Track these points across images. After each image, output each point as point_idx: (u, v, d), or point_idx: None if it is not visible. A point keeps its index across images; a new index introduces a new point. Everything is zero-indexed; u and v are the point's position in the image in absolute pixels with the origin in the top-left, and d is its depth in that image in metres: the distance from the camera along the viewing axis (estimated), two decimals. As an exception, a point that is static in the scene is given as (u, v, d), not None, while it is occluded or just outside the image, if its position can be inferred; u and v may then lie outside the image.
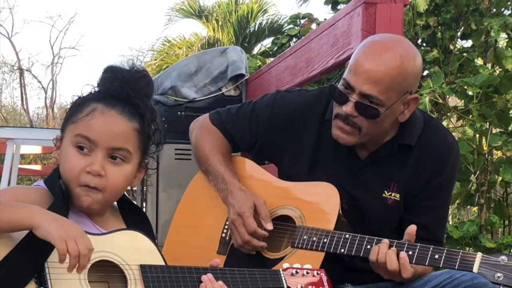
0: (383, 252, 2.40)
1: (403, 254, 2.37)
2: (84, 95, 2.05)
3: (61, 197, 1.96)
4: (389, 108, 2.52)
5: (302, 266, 2.29)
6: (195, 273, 2.06)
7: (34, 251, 1.80)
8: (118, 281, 1.95)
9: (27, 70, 26.38)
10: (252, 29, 15.13)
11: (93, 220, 2.05)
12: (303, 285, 2.24)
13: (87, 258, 1.79)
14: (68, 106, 2.09)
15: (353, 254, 2.47)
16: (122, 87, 2.03)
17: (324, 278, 2.29)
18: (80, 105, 2.02)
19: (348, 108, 2.52)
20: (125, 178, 2.06)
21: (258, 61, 6.64)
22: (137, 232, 2.03)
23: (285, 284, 2.22)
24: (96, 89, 2.07)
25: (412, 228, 2.42)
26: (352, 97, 2.51)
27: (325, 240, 2.52)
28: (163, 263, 2.03)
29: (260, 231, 2.62)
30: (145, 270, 1.97)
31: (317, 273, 2.30)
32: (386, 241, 2.41)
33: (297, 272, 2.27)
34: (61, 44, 28.51)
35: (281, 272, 2.25)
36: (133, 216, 2.16)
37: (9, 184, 7.17)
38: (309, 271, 2.28)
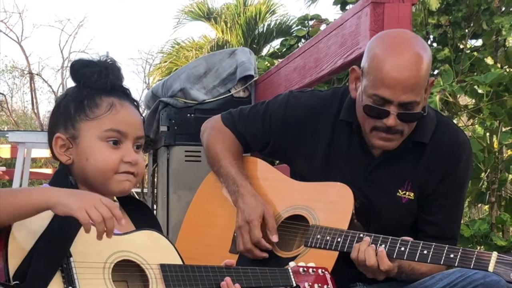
0: (362, 250, 2.42)
1: (380, 248, 2.40)
2: (72, 94, 2.09)
3: None
4: (423, 103, 2.56)
5: (307, 264, 2.31)
6: (211, 273, 2.09)
7: (56, 243, 1.83)
8: (137, 281, 1.98)
9: (37, 75, 26.50)
10: (260, 31, 15.14)
11: None
12: (310, 283, 2.27)
13: (112, 221, 1.81)
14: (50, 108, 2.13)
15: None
16: (113, 79, 2.09)
17: (328, 276, 2.32)
18: (91, 101, 2.06)
19: (390, 121, 2.53)
20: (144, 162, 2.16)
21: (267, 62, 6.64)
22: (155, 231, 2.07)
23: (294, 282, 2.25)
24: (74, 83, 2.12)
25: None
26: (392, 109, 2.52)
27: (339, 239, 2.53)
28: (180, 262, 2.06)
29: (263, 243, 2.64)
30: (165, 269, 2.00)
31: (322, 272, 2.32)
32: (367, 239, 2.44)
33: (304, 271, 2.29)
34: (70, 48, 28.61)
35: (290, 270, 2.27)
36: (138, 212, 2.19)
37: (20, 187, 7.20)
38: (314, 269, 2.31)
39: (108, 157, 2.04)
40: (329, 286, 2.30)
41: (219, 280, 2.09)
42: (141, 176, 2.14)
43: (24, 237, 1.83)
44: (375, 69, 2.53)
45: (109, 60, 2.11)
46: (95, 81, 2.06)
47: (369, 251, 2.41)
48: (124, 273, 1.96)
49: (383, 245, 2.43)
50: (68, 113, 2.06)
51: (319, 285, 2.28)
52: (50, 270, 1.80)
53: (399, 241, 2.42)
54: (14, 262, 1.78)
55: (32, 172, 8.55)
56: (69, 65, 2.16)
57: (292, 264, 2.30)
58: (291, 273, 2.27)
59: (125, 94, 2.12)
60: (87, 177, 2.06)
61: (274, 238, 2.65)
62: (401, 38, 2.60)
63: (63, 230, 1.85)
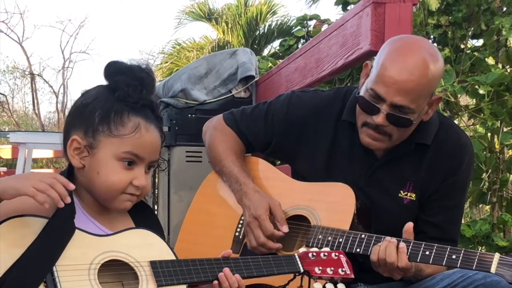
0: (383, 247, 2.41)
1: (402, 244, 2.38)
2: (101, 100, 2.05)
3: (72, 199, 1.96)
4: (418, 113, 2.54)
5: (320, 249, 2.27)
6: (208, 265, 2.08)
7: (43, 254, 1.84)
8: (131, 280, 1.97)
9: (38, 75, 26.49)
10: (261, 31, 15.15)
11: (99, 220, 2.08)
12: (321, 268, 2.22)
13: (59, 185, 1.86)
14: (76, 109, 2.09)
15: (369, 254, 2.46)
16: (145, 94, 2.06)
17: (343, 259, 2.26)
18: (118, 116, 2.02)
19: (379, 119, 2.52)
20: (150, 183, 2.15)
21: (269, 63, 6.64)
22: (146, 230, 2.06)
23: (301, 267, 2.22)
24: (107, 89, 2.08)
25: (409, 225, 2.43)
26: (383, 108, 2.51)
27: (341, 240, 2.53)
28: (174, 259, 2.05)
29: (277, 233, 2.63)
30: (156, 265, 1.99)
31: (335, 255, 2.26)
32: (393, 240, 2.41)
33: (313, 255, 2.25)
34: (71, 48, 28.67)
35: (296, 256, 2.24)
36: (140, 212, 2.19)
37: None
38: (326, 253, 2.26)
39: (120, 179, 2.03)
40: (344, 269, 2.23)
41: (216, 271, 2.08)
42: (144, 196, 2.14)
43: (12, 245, 1.84)
44: (380, 64, 2.53)
45: (146, 70, 2.08)
46: (127, 96, 2.03)
47: (391, 247, 2.40)
48: (117, 272, 1.96)
49: None
50: (92, 120, 2.02)
51: (332, 268, 2.22)
52: (35, 281, 1.82)
53: (401, 241, 2.41)
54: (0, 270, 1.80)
55: (33, 172, 8.55)
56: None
57: (302, 249, 2.27)
58: (297, 259, 2.23)
59: (151, 110, 2.08)
60: (92, 187, 2.05)
61: (285, 229, 2.64)
62: (415, 43, 2.58)
63: (53, 240, 1.87)
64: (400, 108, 2.50)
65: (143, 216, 2.19)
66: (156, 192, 4.94)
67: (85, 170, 2.04)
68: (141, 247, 2.01)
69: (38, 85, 26.63)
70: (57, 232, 1.89)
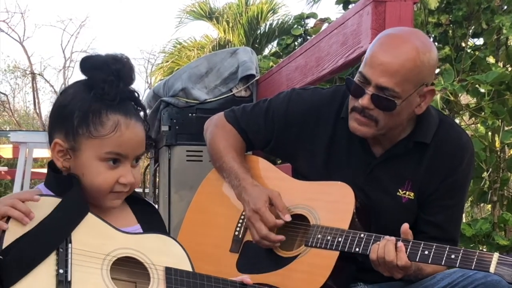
0: (382, 245, 2.41)
1: (400, 243, 2.38)
2: (79, 100, 2.03)
3: (78, 187, 2.01)
4: (405, 100, 2.52)
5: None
6: (222, 284, 2.08)
7: (55, 227, 1.90)
8: (146, 282, 1.98)
9: (39, 75, 26.55)
10: (262, 30, 15.15)
11: (97, 211, 2.07)
12: None
13: (20, 203, 1.89)
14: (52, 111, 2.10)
15: (368, 253, 2.46)
16: (123, 87, 2.03)
17: None
18: (96, 117, 2.00)
19: (364, 100, 2.53)
20: (139, 175, 2.15)
21: (271, 62, 6.63)
22: (170, 237, 2.08)
23: None
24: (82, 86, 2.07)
25: (404, 227, 2.42)
26: (368, 89, 2.52)
27: (340, 239, 2.52)
28: (190, 270, 2.05)
29: (280, 222, 2.63)
30: (170, 272, 2.00)
31: None
32: (392, 238, 2.41)
33: None
34: (72, 48, 28.65)
35: None
36: (142, 208, 2.19)
37: (22, 187, 7.22)
38: None
39: (105, 179, 2.01)
40: None
41: None
42: (133, 190, 2.13)
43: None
44: (369, 49, 2.56)
45: (122, 61, 2.04)
46: (104, 93, 2.00)
47: (389, 246, 2.39)
48: (130, 270, 1.98)
49: None
50: (71, 123, 2.00)
51: None
52: (43, 252, 1.86)
53: (400, 240, 2.41)
54: (9, 238, 1.84)
55: (34, 172, 8.57)
56: (77, 61, 2.13)
57: None
58: None
59: (132, 101, 2.07)
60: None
61: (287, 218, 2.64)
62: (409, 32, 2.61)
63: (65, 216, 1.92)
64: (385, 90, 2.50)
65: (143, 208, 2.19)
66: (157, 192, 4.94)
67: (71, 171, 2.03)
68: (161, 252, 2.02)
69: (39, 84, 26.74)
70: (70, 210, 1.94)
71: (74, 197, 1.97)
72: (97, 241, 1.94)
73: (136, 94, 2.09)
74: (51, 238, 1.88)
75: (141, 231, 2.11)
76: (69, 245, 1.89)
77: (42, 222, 1.89)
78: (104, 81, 2.00)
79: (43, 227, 1.88)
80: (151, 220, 2.17)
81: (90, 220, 1.97)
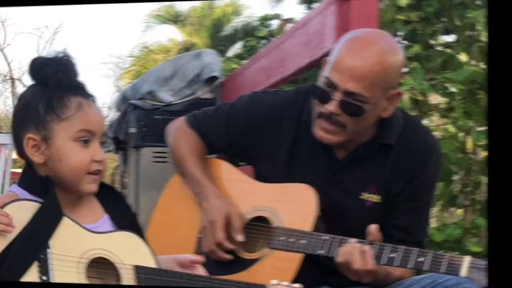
0: (347, 250, 2.38)
1: (367, 246, 2.35)
2: (39, 94, 2.13)
3: (53, 190, 2.06)
4: (373, 105, 2.49)
5: (291, 284, 2.22)
6: (186, 279, 2.14)
7: (36, 235, 1.97)
8: (112, 280, 2.04)
9: (18, 80, 26.53)
10: (227, 32, 15.15)
11: (69, 206, 2.11)
12: None
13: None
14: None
15: (331, 255, 2.44)
16: (73, 76, 2.16)
17: None
18: (60, 102, 2.10)
19: (331, 106, 2.48)
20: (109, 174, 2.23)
21: (233, 64, 6.63)
22: (133, 234, 2.13)
23: None
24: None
25: (371, 227, 2.39)
26: (336, 95, 2.47)
27: (303, 241, 2.51)
28: (156, 266, 2.11)
29: (226, 244, 2.62)
30: (139, 271, 2.05)
31: None
32: (352, 240, 2.39)
33: None
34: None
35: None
36: (106, 195, 2.23)
37: (2, 187, 7.33)
38: None
39: (81, 159, 2.09)
40: None
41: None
42: (105, 172, 2.21)
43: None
44: (335, 53, 2.51)
45: (65, 56, 2.16)
46: (60, 80, 2.11)
47: (355, 249, 2.35)
48: (101, 270, 2.03)
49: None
50: (38, 115, 2.09)
51: None
52: (28, 261, 1.93)
53: (367, 243, 2.38)
54: None
55: (13, 172, 8.70)
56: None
57: (274, 281, 2.23)
58: None
59: (82, 90, 2.16)
60: (59, 176, 2.10)
61: (239, 238, 2.62)
62: (375, 33, 2.59)
63: (45, 225, 1.99)
64: (353, 95, 2.45)
65: (109, 195, 2.24)
66: (125, 192, 4.93)
67: (49, 162, 2.09)
68: (128, 250, 2.08)
69: (18, 89, 26.67)
70: (48, 217, 2.01)
71: (51, 203, 2.03)
72: (72, 244, 2.00)
73: (84, 86, 2.19)
74: (34, 247, 1.95)
75: (109, 222, 2.16)
76: (48, 250, 1.96)
77: (23, 231, 1.95)
78: (56, 72, 2.11)
79: (25, 236, 1.95)
80: (117, 207, 2.23)
81: (64, 222, 2.02)
